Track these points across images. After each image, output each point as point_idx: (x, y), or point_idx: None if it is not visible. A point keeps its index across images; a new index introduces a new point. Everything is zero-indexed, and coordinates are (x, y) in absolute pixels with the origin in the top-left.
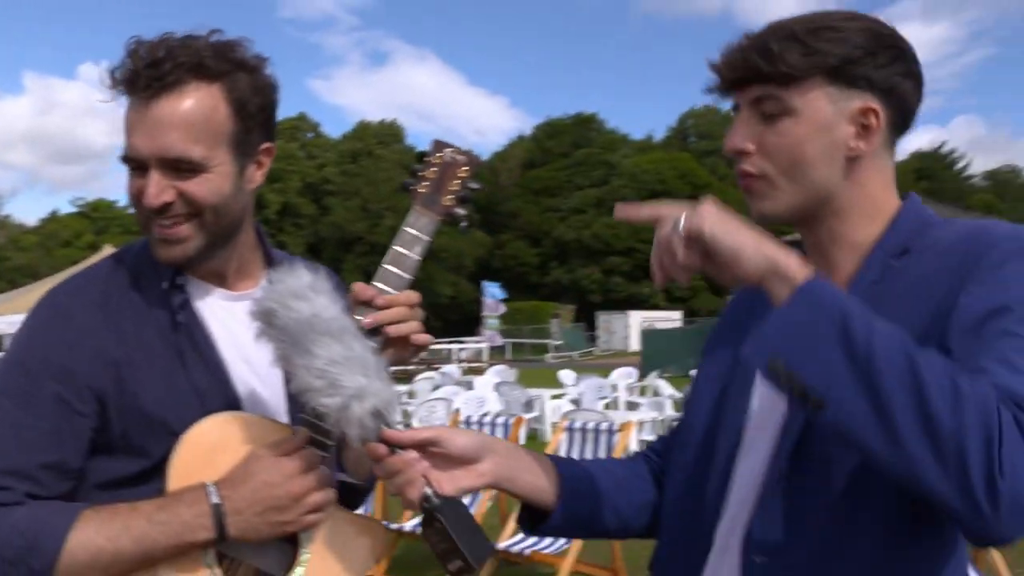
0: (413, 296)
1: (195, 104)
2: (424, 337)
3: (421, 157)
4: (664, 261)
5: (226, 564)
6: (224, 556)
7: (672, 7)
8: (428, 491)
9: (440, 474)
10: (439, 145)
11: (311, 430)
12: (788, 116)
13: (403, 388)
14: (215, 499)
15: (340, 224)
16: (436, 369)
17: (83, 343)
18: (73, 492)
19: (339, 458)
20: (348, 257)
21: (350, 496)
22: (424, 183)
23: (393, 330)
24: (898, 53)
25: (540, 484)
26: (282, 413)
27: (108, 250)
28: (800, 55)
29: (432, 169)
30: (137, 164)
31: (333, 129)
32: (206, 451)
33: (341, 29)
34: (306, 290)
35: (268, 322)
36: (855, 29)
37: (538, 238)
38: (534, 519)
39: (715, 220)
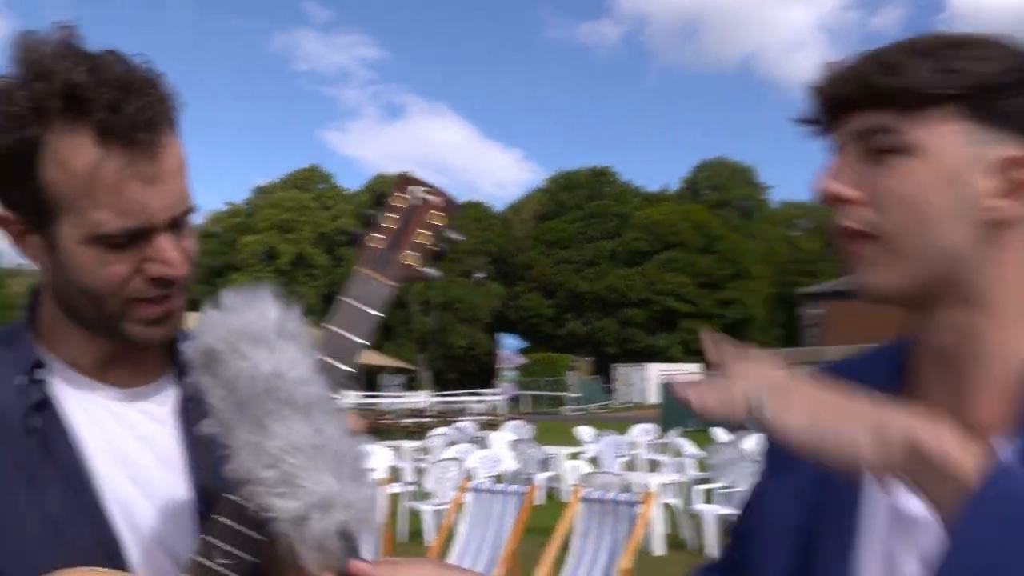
0: None
1: (180, 150)
2: None
3: (379, 199)
4: (724, 408)
5: None
6: None
7: (691, 62)
8: None
9: None
10: (405, 181)
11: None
12: (908, 155)
13: (417, 444)
14: None
15: None
16: (451, 423)
17: None
18: None
19: None
20: None
21: None
22: (378, 234)
23: None
24: None
25: None
26: (181, 555)
27: None
28: (932, 72)
29: (391, 215)
30: (135, 234)
31: (347, 181)
32: None
33: (356, 83)
34: (269, 333)
35: (209, 368)
36: (1005, 50)
37: (552, 290)
38: None
39: (802, 417)
